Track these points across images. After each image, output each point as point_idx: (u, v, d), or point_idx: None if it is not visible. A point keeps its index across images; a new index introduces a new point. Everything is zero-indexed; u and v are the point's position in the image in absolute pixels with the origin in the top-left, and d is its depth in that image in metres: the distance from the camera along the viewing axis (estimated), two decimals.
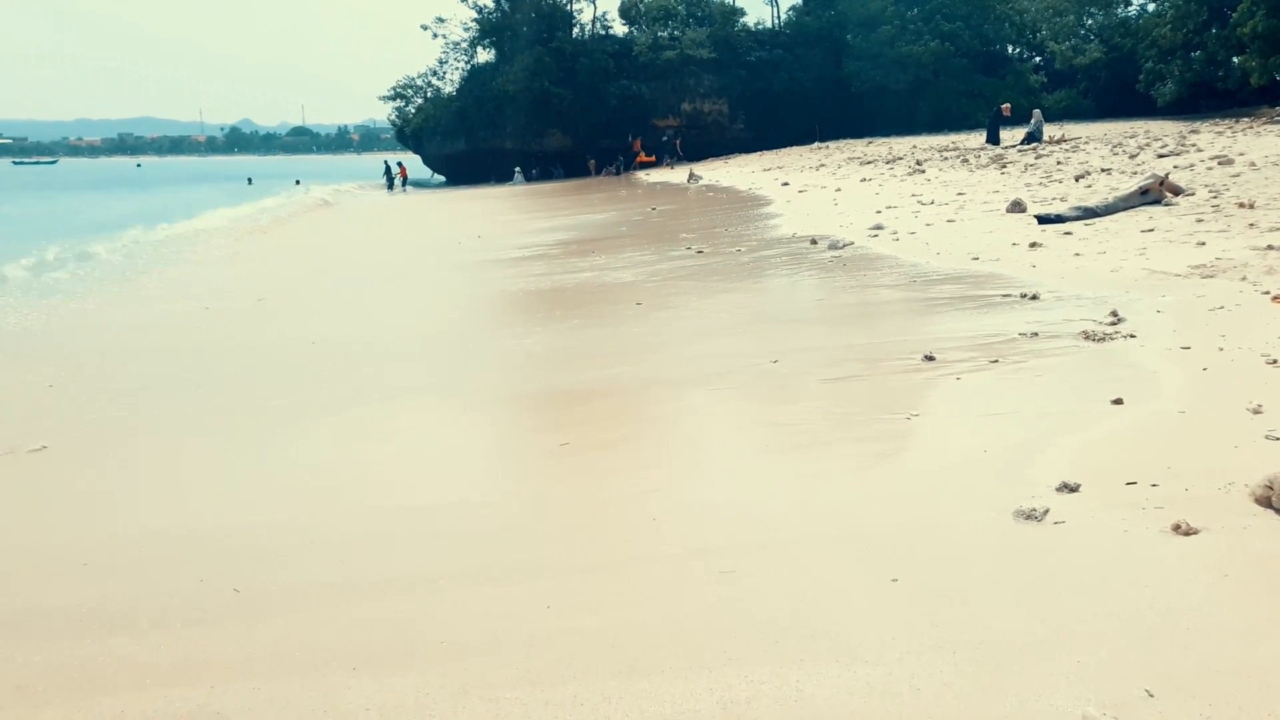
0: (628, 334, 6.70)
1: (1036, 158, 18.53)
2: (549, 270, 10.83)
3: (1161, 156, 15.47)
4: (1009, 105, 26.67)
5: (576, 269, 10.78)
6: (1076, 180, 13.79)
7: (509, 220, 20.12)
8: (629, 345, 6.31)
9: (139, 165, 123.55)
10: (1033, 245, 8.55)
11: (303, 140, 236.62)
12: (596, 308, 8.08)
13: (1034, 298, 6.40)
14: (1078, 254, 7.87)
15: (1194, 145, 16.55)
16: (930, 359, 5.01)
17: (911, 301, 6.89)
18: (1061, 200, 11.81)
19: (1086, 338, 5.17)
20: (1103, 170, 14.60)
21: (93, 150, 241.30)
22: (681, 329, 6.76)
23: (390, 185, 42.44)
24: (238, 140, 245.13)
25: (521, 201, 26.80)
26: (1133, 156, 16.19)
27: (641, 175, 36.42)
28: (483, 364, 6.13)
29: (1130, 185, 10.42)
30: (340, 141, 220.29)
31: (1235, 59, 32.25)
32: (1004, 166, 17.89)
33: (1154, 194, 10.03)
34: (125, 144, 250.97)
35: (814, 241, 10.76)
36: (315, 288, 10.89)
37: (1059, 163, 16.93)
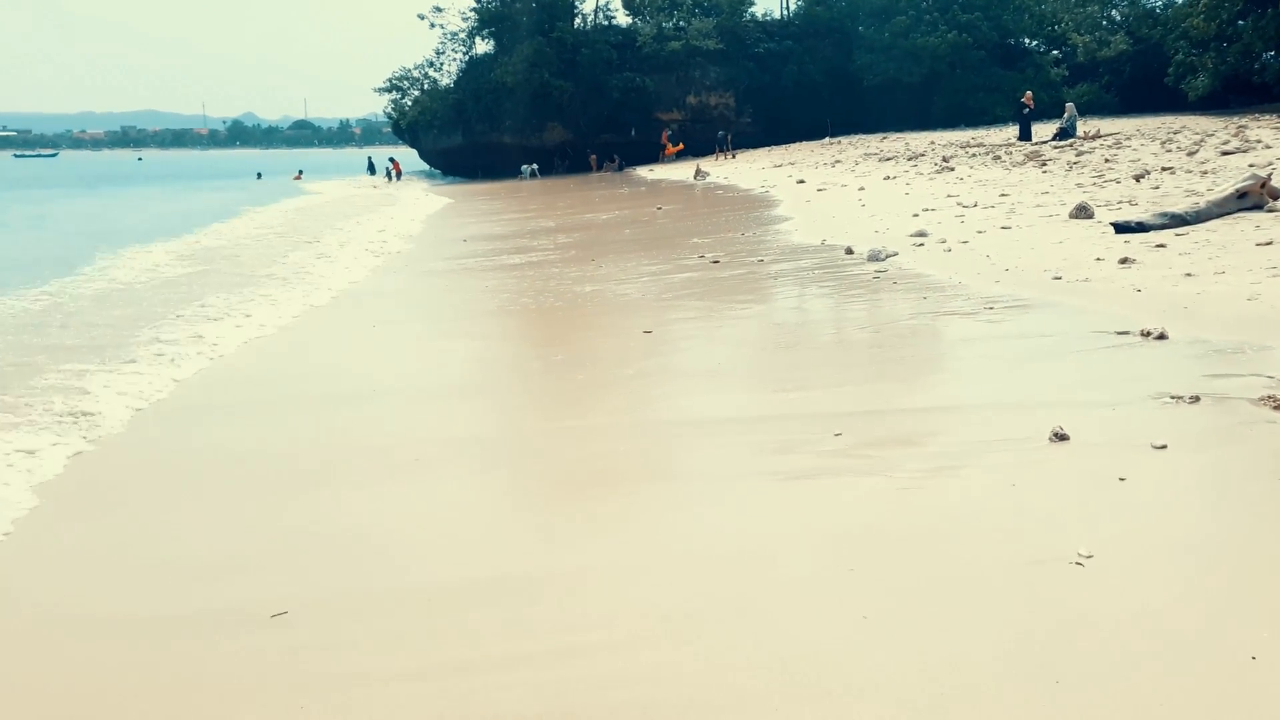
0: (633, 379, 5.24)
1: (1078, 155, 17.00)
2: (545, 283, 9.36)
3: (1226, 154, 13.95)
4: (1030, 94, 24.97)
5: (576, 281, 9.31)
6: (1137, 180, 12.28)
7: (507, 220, 18.65)
8: (636, 399, 4.84)
9: (140, 159, 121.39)
10: (1124, 262, 7.06)
11: (304, 134, 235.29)
12: (596, 337, 6.62)
13: (1161, 337, 4.93)
14: (1189, 274, 6.39)
15: (1259, 141, 15.02)
16: (1062, 438, 3.55)
17: (995, 339, 5.41)
18: (1130, 204, 10.32)
19: (1278, 407, 3.70)
20: (1164, 169, 13.09)
21: (95, 143, 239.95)
22: (702, 371, 5.29)
23: (389, 177, 41.20)
24: (240, 134, 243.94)
25: (519, 200, 25.31)
26: (1191, 154, 14.67)
27: (643, 171, 34.87)
28: (449, 428, 4.67)
29: (1222, 188, 8.92)
30: (342, 135, 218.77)
31: (1271, 52, 30.73)
32: (1043, 164, 16.38)
33: (1254, 198, 8.53)
34: (128, 137, 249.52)
35: (849, 251, 9.28)
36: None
37: (1106, 160, 15.41)
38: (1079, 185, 12.85)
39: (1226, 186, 8.84)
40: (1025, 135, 22.68)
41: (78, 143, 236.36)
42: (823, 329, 6.50)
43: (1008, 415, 3.93)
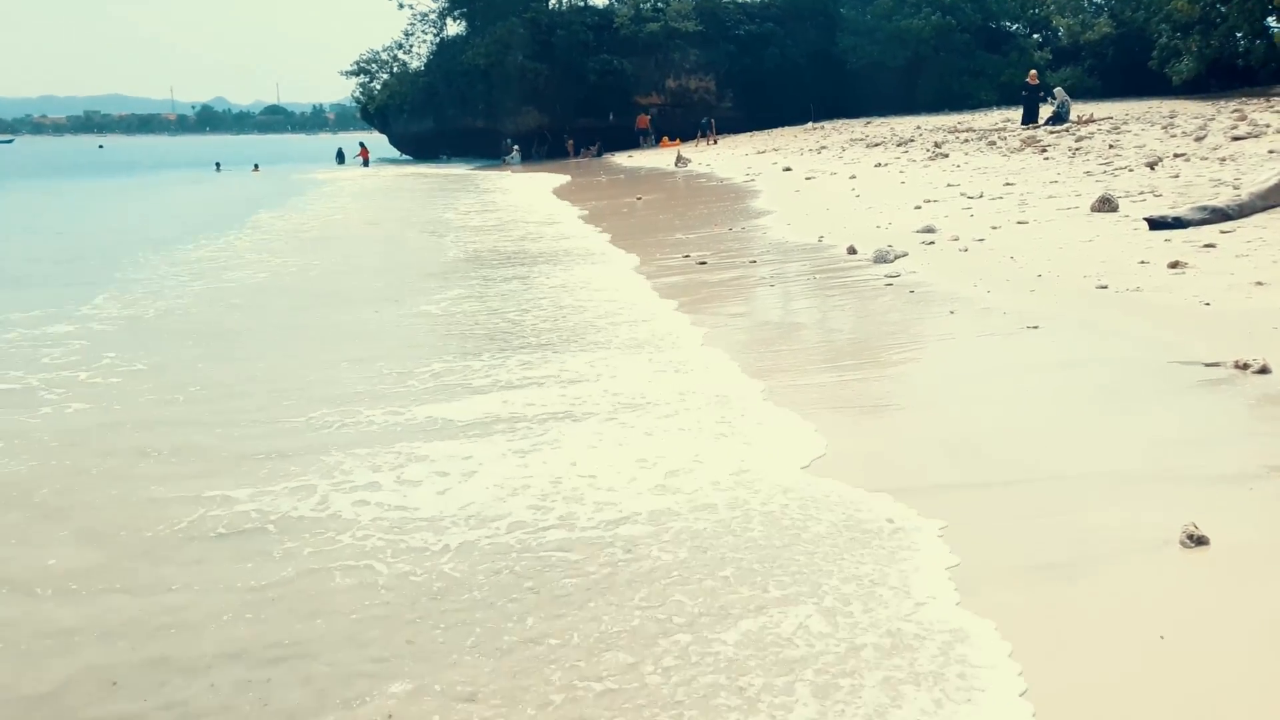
0: (596, 441, 4.22)
1: (1078, 141, 16.15)
2: (505, 291, 8.31)
3: (1238, 139, 13.13)
4: (1035, 72, 23.97)
5: (541, 288, 8.27)
6: (1152, 168, 11.41)
7: (469, 211, 17.51)
8: (599, 484, 3.83)
9: (101, 146, 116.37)
10: (1174, 266, 6.14)
11: (277, 119, 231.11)
12: (557, 366, 5.58)
13: (1263, 371, 4.00)
14: (1260, 283, 5.48)
15: (1268, 126, 14.22)
16: (1199, 541, 2.60)
17: (1050, 372, 4.46)
18: (1154, 194, 9.44)
19: None
20: (1177, 156, 12.23)
21: (57, 128, 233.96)
22: (689, 438, 4.29)
23: (365, 163, 39.63)
24: (210, 119, 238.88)
25: (492, 188, 24.11)
26: (1199, 139, 13.84)
27: (621, 158, 33.74)
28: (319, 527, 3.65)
29: (1263, 178, 8.03)
30: (315, 121, 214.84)
31: (1258, 39, 30.19)
32: (1043, 150, 15.51)
33: None
34: (92, 122, 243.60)
35: (852, 250, 8.31)
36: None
37: (1111, 147, 14.55)
38: (1088, 174, 11.97)
39: (1270, 176, 7.95)
40: (1030, 117, 21.66)
41: (38, 128, 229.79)
42: (835, 354, 5.51)
43: (1107, 498, 2.97)
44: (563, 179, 25.12)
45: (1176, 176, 10.56)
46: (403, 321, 7.06)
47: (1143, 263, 6.40)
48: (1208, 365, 4.18)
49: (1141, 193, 9.64)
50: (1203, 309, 5.15)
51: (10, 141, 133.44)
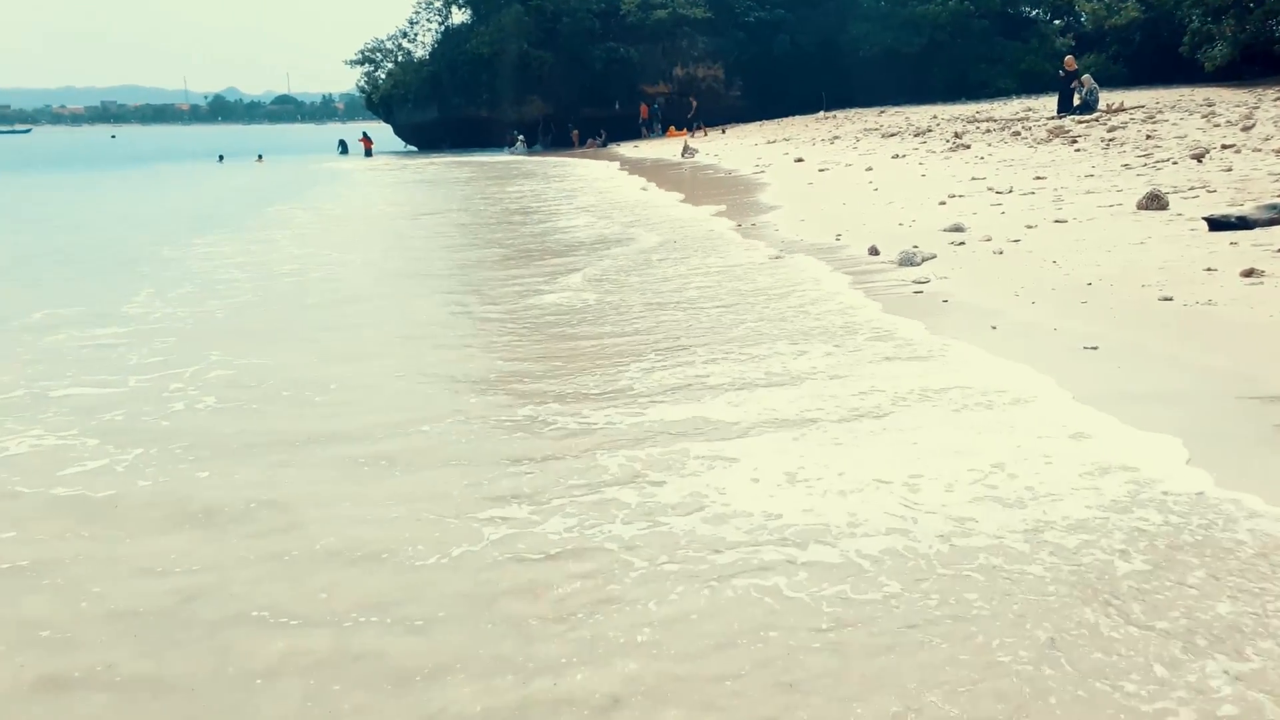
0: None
1: (1110, 131, 15.21)
2: (488, 290, 7.54)
3: None
4: (1071, 58, 22.92)
5: (523, 293, 7.49)
6: (1199, 161, 10.51)
7: (457, 209, 16.72)
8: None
9: (113, 136, 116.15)
10: (1249, 274, 5.30)
11: (287, 109, 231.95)
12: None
13: None
14: None
15: None
16: None
17: (1117, 401, 3.64)
18: (1206, 190, 8.56)
19: None
20: (1225, 147, 11.31)
21: (75, 119, 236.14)
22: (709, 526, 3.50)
23: (368, 154, 38.68)
24: (222, 109, 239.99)
25: (491, 180, 23.31)
26: (1246, 129, 12.89)
27: (626, 148, 32.84)
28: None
29: None
30: (325, 110, 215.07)
31: None
32: (1073, 141, 14.58)
33: None
34: (108, 112, 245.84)
35: (874, 252, 7.49)
36: None
37: (1148, 137, 13.61)
38: (1126, 167, 11.07)
39: None
40: (1066, 105, 20.61)
41: (57, 118, 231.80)
42: (866, 382, 4.70)
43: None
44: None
45: (1229, 170, 9.66)
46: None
47: (1209, 270, 5.56)
48: None
49: (1192, 188, 8.76)
50: None
51: (28, 131, 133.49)
